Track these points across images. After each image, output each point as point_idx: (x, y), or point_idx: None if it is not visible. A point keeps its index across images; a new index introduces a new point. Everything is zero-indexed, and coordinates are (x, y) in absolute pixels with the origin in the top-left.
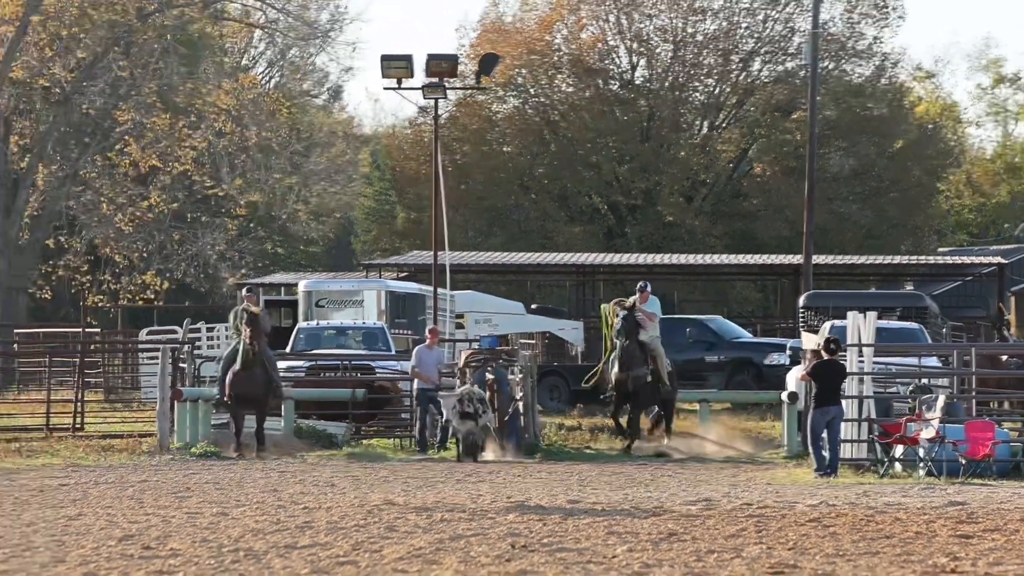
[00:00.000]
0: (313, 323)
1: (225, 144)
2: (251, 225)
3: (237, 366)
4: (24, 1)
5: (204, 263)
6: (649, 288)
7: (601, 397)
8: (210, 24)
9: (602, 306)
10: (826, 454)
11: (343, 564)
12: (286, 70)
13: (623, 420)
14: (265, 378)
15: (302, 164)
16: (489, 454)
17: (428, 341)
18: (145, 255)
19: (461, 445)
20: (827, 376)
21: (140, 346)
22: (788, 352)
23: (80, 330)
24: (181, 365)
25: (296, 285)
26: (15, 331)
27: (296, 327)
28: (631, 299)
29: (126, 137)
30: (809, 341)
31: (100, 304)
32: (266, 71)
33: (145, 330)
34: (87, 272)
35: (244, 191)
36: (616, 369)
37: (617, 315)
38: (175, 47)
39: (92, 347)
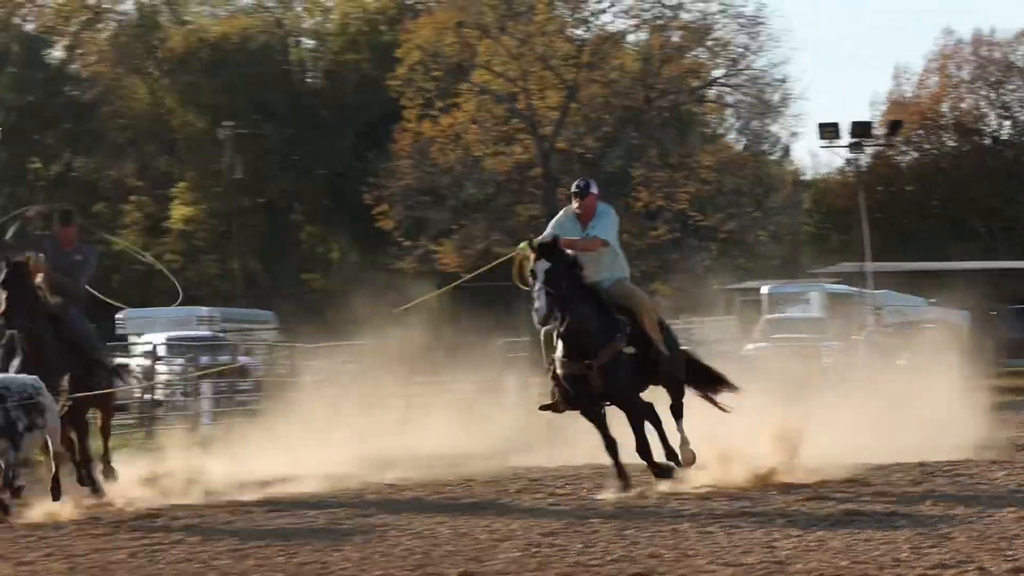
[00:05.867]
0: (774, 315)
1: (708, 189)
2: (729, 246)
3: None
4: (567, 93)
5: (694, 277)
6: (595, 189)
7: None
8: (695, 105)
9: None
10: None
11: None
12: (749, 136)
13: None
14: (61, 362)
15: (763, 202)
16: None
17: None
18: (652, 271)
19: None
20: None
21: None
22: None
23: None
24: None
25: (760, 289)
26: None
27: (762, 318)
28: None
29: (637, 187)
30: None
31: None
32: (737, 139)
33: None
34: None
35: (724, 221)
36: (560, 354)
37: (533, 268)
38: (671, 122)
39: None
